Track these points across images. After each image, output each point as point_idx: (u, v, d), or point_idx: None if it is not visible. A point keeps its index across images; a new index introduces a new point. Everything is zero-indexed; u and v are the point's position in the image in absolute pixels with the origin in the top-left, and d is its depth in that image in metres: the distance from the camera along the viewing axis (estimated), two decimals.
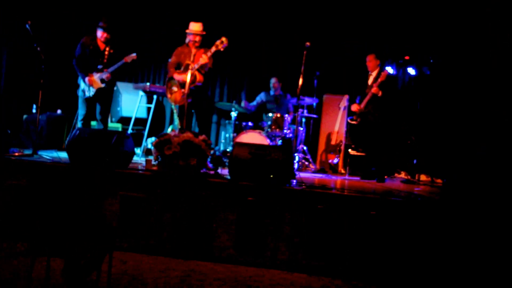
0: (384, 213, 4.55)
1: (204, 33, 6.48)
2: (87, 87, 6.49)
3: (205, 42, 6.49)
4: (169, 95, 6.45)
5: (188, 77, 6.09)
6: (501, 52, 6.49)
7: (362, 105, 6.65)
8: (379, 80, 6.52)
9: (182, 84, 6.22)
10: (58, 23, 8.49)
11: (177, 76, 6.35)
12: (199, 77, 6.28)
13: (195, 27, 6.44)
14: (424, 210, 4.57)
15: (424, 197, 5.17)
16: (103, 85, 6.47)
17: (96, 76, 6.46)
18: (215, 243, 4.79)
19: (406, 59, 6.38)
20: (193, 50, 6.44)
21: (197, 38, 6.41)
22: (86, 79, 6.44)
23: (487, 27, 6.65)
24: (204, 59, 6.11)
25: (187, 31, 6.44)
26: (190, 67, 6.17)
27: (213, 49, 6.12)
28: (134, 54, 6.49)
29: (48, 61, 6.35)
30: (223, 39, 6.07)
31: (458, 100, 7.29)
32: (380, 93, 6.49)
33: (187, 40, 6.43)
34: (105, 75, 6.44)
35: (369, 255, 4.51)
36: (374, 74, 6.72)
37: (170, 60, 6.56)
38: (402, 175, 7.30)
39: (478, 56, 6.84)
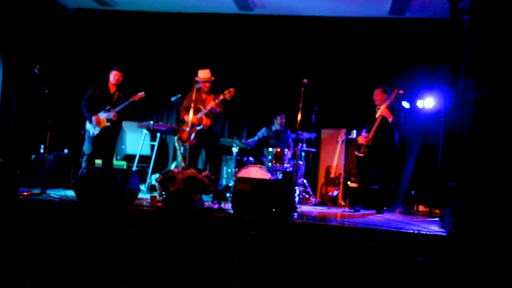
0: (385, 245, 4.60)
1: (213, 78, 6.95)
2: (92, 127, 6.75)
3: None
4: (179, 135, 6.91)
5: (190, 116, 6.62)
6: None
7: (371, 134, 6.50)
8: (390, 98, 6.45)
9: (191, 125, 6.73)
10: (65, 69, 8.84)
11: (187, 118, 6.81)
12: (205, 120, 6.76)
13: (203, 74, 6.91)
14: (429, 243, 4.60)
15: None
16: (108, 124, 6.72)
17: (103, 116, 6.73)
18: (219, 277, 4.82)
19: (400, 93, 6.52)
20: (204, 96, 6.90)
21: (207, 85, 6.90)
22: (93, 118, 6.71)
23: None
24: (211, 104, 6.66)
25: (197, 79, 6.89)
26: (201, 110, 6.73)
27: (221, 97, 6.67)
28: (142, 93, 6.81)
29: (55, 103, 6.57)
30: (231, 89, 6.64)
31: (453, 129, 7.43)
32: (391, 118, 6.38)
33: (198, 86, 6.86)
34: (112, 114, 6.70)
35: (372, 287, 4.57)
36: (382, 107, 6.58)
37: (182, 104, 7.02)
38: (401, 206, 7.40)
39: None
